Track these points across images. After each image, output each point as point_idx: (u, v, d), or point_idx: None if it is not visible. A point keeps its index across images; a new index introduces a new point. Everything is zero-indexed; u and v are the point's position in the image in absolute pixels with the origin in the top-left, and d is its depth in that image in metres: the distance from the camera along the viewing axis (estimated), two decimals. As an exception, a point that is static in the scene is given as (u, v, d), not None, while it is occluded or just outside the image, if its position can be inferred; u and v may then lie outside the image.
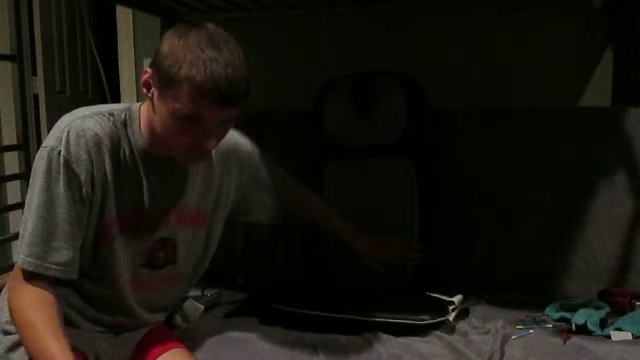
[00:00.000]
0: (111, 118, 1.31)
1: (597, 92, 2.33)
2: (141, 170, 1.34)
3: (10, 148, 2.29)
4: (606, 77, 2.32)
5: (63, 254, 1.24)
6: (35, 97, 2.17)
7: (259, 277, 2.22)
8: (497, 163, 2.14)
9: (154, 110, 1.28)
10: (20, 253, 1.24)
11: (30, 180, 1.27)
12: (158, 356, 1.42)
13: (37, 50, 2.11)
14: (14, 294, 1.24)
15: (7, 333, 1.31)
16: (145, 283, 1.42)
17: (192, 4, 2.39)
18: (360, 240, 1.83)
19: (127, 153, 1.31)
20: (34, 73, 2.14)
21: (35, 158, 1.27)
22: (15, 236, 2.19)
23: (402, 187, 2.08)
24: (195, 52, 1.19)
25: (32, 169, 1.27)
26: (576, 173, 2.07)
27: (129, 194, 1.33)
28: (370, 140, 2.11)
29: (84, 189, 1.25)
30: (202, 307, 1.73)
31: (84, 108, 1.33)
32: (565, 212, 2.07)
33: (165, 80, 1.21)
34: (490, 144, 2.15)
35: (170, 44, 1.22)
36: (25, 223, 1.25)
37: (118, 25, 2.89)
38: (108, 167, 1.28)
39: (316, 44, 2.51)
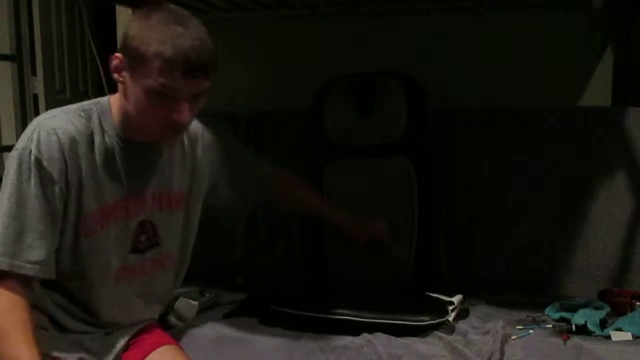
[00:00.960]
0: (82, 114, 1.31)
1: (597, 92, 2.33)
2: (118, 160, 1.34)
3: (10, 148, 2.29)
4: (606, 77, 2.32)
5: (37, 252, 1.23)
6: (35, 97, 2.17)
7: (258, 277, 2.22)
8: (497, 163, 2.14)
9: (126, 95, 1.29)
10: None
11: (2, 185, 1.25)
12: (149, 353, 1.42)
13: (37, 50, 2.10)
14: None
15: None
16: (134, 269, 1.41)
17: (192, 4, 2.39)
18: (344, 217, 1.81)
19: (103, 145, 1.32)
20: (34, 73, 2.14)
21: (6, 162, 1.27)
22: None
23: (402, 187, 2.08)
24: (162, 29, 1.22)
25: (4, 173, 1.26)
26: (576, 173, 2.07)
27: (109, 186, 1.33)
28: (370, 140, 2.11)
29: (57, 187, 1.25)
30: (197, 303, 1.73)
31: (54, 109, 1.34)
32: (565, 212, 2.07)
33: (136, 59, 1.23)
34: (490, 144, 2.15)
35: (136, 26, 1.25)
36: None
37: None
38: (84, 162, 1.29)
39: (316, 44, 2.51)
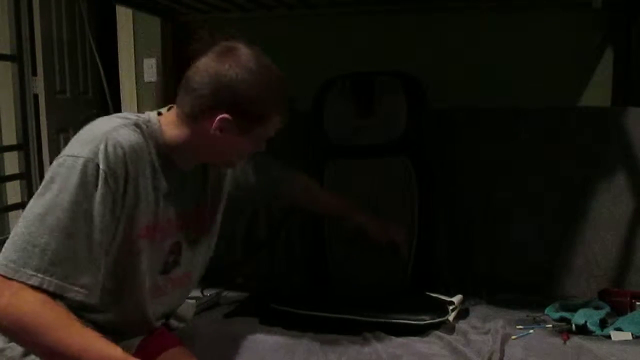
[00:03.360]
0: (137, 129, 1.26)
1: (597, 92, 2.33)
2: (165, 180, 1.31)
3: (10, 148, 2.29)
4: (606, 77, 2.32)
5: (88, 275, 1.14)
6: (35, 97, 2.17)
7: (258, 277, 2.22)
8: (497, 163, 2.14)
9: (215, 145, 1.31)
10: (24, 266, 1.10)
11: (45, 189, 1.15)
12: (158, 356, 1.41)
13: (37, 50, 2.10)
14: (15, 302, 1.09)
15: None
16: (161, 289, 1.39)
17: (192, 4, 2.39)
18: (365, 217, 1.87)
19: (154, 165, 1.28)
20: (34, 73, 2.14)
21: (58, 166, 1.16)
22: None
23: (402, 186, 2.08)
24: (272, 85, 1.30)
25: (51, 177, 1.15)
26: (576, 173, 2.07)
27: (154, 207, 1.29)
28: (370, 140, 2.11)
29: (118, 205, 1.18)
30: (194, 302, 1.73)
31: (110, 118, 1.28)
32: (565, 212, 2.07)
33: (252, 119, 1.29)
34: (490, 144, 2.15)
35: (243, 83, 1.26)
36: (41, 237, 1.11)
37: (118, 25, 2.89)
38: (141, 179, 1.24)
39: (316, 44, 2.51)
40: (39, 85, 2.14)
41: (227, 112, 1.26)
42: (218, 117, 1.26)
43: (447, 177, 2.17)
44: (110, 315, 1.32)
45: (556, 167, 2.09)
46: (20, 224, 1.13)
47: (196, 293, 1.94)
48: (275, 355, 1.58)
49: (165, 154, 1.31)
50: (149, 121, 1.31)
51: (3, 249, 1.13)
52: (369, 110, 2.09)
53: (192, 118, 1.29)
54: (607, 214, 2.03)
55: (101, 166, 1.15)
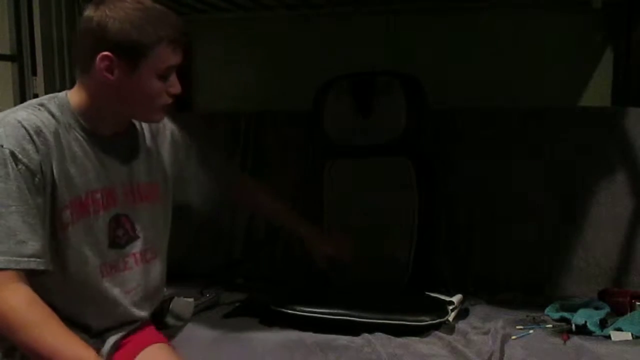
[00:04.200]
0: (42, 108, 1.29)
1: (597, 92, 2.33)
2: (89, 152, 1.33)
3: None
4: (606, 77, 2.32)
5: (30, 245, 1.19)
6: (35, 97, 2.16)
7: (258, 277, 2.22)
8: (497, 163, 2.14)
9: (117, 92, 1.30)
10: None
11: None
12: (139, 352, 1.41)
13: (37, 50, 2.10)
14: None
15: None
16: (117, 265, 1.39)
17: (192, 4, 2.39)
18: (307, 230, 1.86)
19: (68, 138, 1.30)
20: (34, 73, 2.14)
21: None
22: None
23: (402, 187, 2.08)
24: (148, 14, 1.28)
25: None
26: (576, 173, 2.07)
27: (78, 180, 1.31)
28: (370, 140, 2.11)
29: (36, 178, 1.22)
30: (192, 300, 1.72)
31: (11, 108, 1.32)
32: (565, 212, 2.07)
33: (135, 52, 1.27)
34: (490, 144, 2.15)
35: (114, 20, 1.25)
36: None
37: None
38: (54, 154, 1.26)
39: (316, 44, 2.51)
40: (39, 85, 2.13)
41: (106, 51, 1.26)
42: (99, 56, 1.26)
43: (447, 178, 2.17)
44: (78, 304, 1.33)
45: (556, 167, 2.09)
46: None
47: (196, 293, 1.94)
48: (275, 355, 1.58)
49: (80, 124, 1.32)
50: (55, 97, 1.34)
51: None
52: (369, 110, 2.09)
53: (85, 73, 1.31)
54: (607, 214, 2.02)
55: (6, 146, 1.19)
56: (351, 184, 2.13)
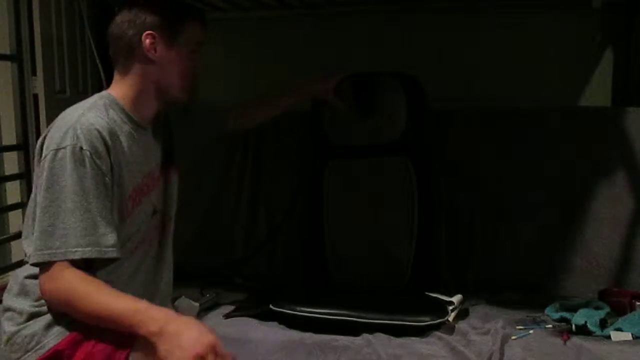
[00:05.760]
0: (102, 109, 1.41)
1: (597, 92, 2.33)
2: (138, 141, 1.46)
3: (10, 148, 2.28)
4: (606, 77, 2.32)
5: (110, 237, 1.33)
6: (35, 97, 2.15)
7: (258, 277, 2.22)
8: (497, 163, 2.14)
9: (159, 70, 1.46)
10: (65, 247, 1.28)
11: (49, 182, 1.31)
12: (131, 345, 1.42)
13: (37, 50, 2.10)
14: (59, 280, 1.29)
15: (37, 315, 1.36)
16: (148, 235, 1.52)
17: (192, 4, 2.39)
18: (288, 95, 2.01)
19: (123, 132, 1.42)
20: (34, 73, 2.14)
21: (51, 161, 1.32)
22: (15, 236, 2.18)
23: (402, 187, 2.08)
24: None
25: (49, 172, 1.31)
26: (576, 173, 2.07)
27: (134, 167, 1.44)
28: (370, 140, 2.11)
29: (107, 178, 1.35)
30: (197, 304, 1.73)
31: (73, 107, 1.43)
32: (565, 212, 2.07)
33: (174, 29, 1.47)
34: (490, 144, 2.15)
35: (151, 6, 1.45)
36: (59, 221, 1.29)
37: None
38: (119, 151, 1.39)
39: (316, 44, 2.51)
40: (38, 85, 2.13)
41: (149, 30, 1.45)
42: (144, 34, 1.44)
43: (447, 178, 2.17)
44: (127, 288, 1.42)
45: (556, 167, 2.09)
46: (41, 218, 1.30)
47: (196, 293, 1.95)
48: (275, 355, 1.58)
49: (128, 116, 1.45)
50: (101, 97, 1.47)
51: (34, 243, 1.31)
52: (369, 110, 2.09)
53: (128, 62, 1.47)
54: (607, 214, 2.03)
55: (85, 148, 1.32)
56: (351, 184, 2.13)
